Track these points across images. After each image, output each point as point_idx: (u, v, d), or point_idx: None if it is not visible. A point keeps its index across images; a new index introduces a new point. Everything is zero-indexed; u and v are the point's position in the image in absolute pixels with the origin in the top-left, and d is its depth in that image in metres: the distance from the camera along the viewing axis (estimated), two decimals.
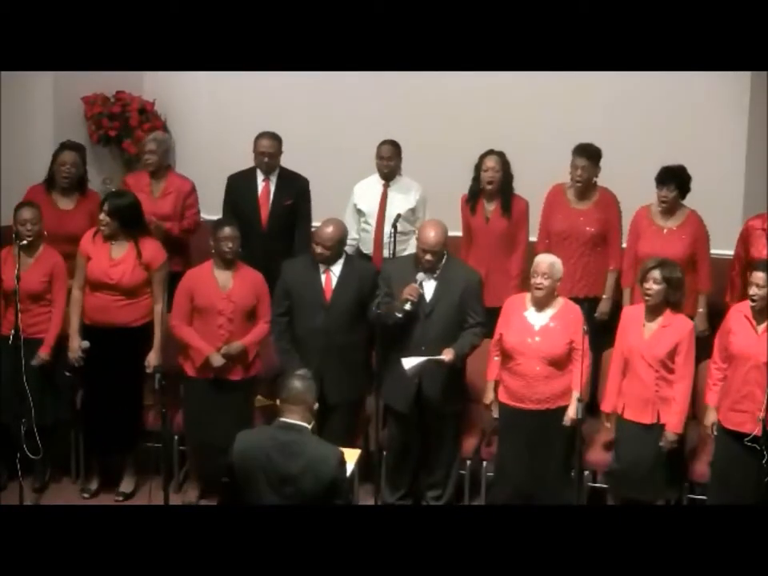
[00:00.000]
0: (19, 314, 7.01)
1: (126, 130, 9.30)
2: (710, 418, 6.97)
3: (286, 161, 8.38)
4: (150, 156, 8.37)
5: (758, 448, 6.69)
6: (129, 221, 7.40)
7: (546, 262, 7.01)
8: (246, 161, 8.39)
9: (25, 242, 7.29)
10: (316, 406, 5.88)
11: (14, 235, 7.36)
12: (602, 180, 8.10)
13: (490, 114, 8.87)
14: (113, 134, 9.29)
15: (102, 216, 7.37)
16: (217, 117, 9.38)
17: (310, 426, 5.82)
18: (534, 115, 8.84)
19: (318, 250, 7.20)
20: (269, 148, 8.24)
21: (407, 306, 6.96)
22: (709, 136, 8.58)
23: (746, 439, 6.71)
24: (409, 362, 6.98)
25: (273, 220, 8.28)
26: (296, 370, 6.10)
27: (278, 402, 5.85)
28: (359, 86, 8.97)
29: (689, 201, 7.96)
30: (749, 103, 8.50)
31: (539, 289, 6.98)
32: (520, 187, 8.14)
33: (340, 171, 8.74)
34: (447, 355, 7.02)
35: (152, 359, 7.43)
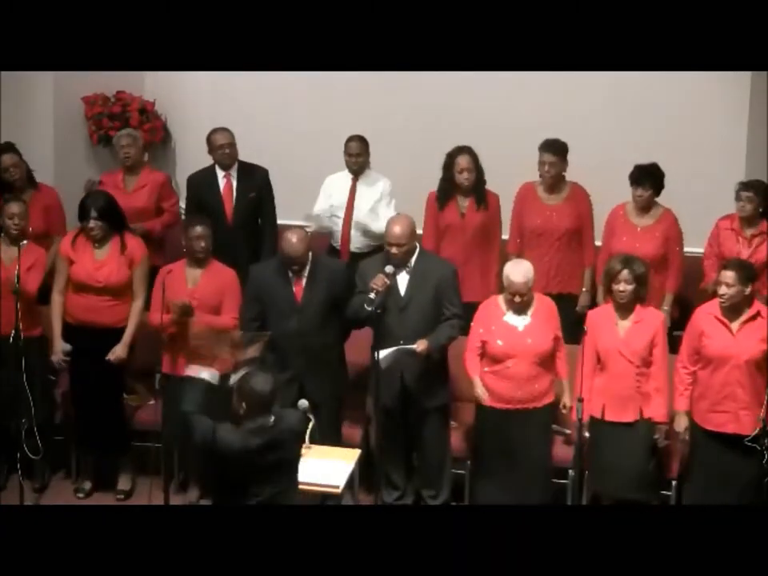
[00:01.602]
0: (19, 314, 7.01)
1: None
2: (682, 423, 6.95)
3: (285, 158, 8.40)
4: (128, 151, 8.42)
5: (759, 448, 6.71)
6: (114, 219, 7.47)
7: (520, 281, 6.94)
8: (245, 160, 8.42)
9: (25, 242, 7.29)
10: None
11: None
12: (599, 180, 8.11)
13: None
14: (113, 134, 9.27)
15: (93, 223, 7.38)
16: (217, 117, 9.36)
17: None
18: (533, 114, 8.83)
19: (295, 267, 7.16)
20: (227, 139, 8.30)
21: (372, 295, 6.93)
22: (709, 136, 8.59)
23: (747, 439, 6.73)
24: (382, 353, 6.96)
25: (238, 214, 8.31)
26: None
27: (242, 405, 5.82)
28: (358, 86, 8.97)
29: (689, 201, 7.98)
30: (749, 103, 8.50)
31: (517, 302, 6.99)
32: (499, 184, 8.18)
33: (339, 169, 8.73)
34: (420, 345, 7.03)
35: (118, 351, 7.41)
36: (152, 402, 7.71)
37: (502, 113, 8.82)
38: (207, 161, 8.55)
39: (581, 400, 6.80)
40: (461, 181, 8.02)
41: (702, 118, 8.58)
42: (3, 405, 7.26)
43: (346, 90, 9.07)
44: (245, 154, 8.42)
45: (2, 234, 7.40)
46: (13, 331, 7.04)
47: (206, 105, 9.45)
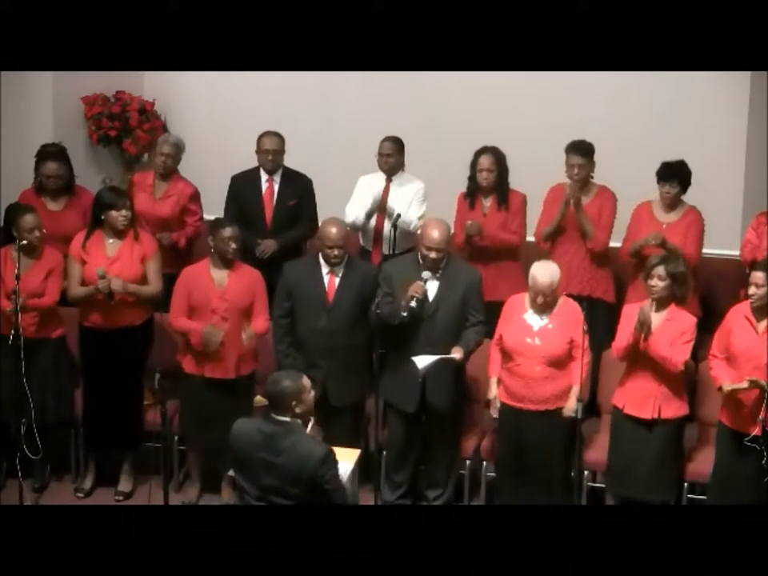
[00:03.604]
0: (19, 314, 7.00)
1: (126, 130, 9.30)
2: (727, 385, 6.73)
3: (286, 159, 8.39)
4: (167, 159, 8.32)
5: (758, 448, 6.71)
6: (133, 212, 7.50)
7: (545, 281, 6.93)
8: (246, 161, 8.42)
9: (27, 241, 7.29)
10: (310, 401, 5.98)
11: (15, 236, 7.37)
12: (602, 179, 8.11)
13: (492, 110, 8.90)
14: (113, 134, 9.28)
15: (125, 212, 7.38)
16: (217, 117, 9.38)
17: (301, 422, 5.92)
18: (533, 114, 8.85)
19: (336, 252, 7.17)
20: (273, 145, 8.25)
21: (413, 304, 6.96)
22: (709, 136, 8.59)
23: (746, 439, 6.72)
24: (421, 361, 6.96)
25: (277, 220, 8.30)
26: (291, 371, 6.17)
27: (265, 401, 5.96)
28: (359, 85, 8.98)
29: (688, 201, 7.97)
30: (749, 103, 8.50)
31: (539, 303, 6.99)
32: (524, 185, 8.17)
33: (341, 170, 8.74)
34: (458, 354, 7.04)
35: (118, 282, 7.33)
36: (150, 402, 7.73)
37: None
38: (206, 161, 8.56)
39: (580, 400, 6.80)
40: (480, 180, 8.09)
41: (702, 117, 8.58)
42: (5, 405, 7.26)
43: (345, 90, 9.08)
44: (245, 155, 8.41)
45: (18, 245, 7.37)
46: (13, 331, 7.04)
47: (206, 105, 9.46)
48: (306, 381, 5.98)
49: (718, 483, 6.94)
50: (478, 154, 8.08)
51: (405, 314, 6.96)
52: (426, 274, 7.06)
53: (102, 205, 7.43)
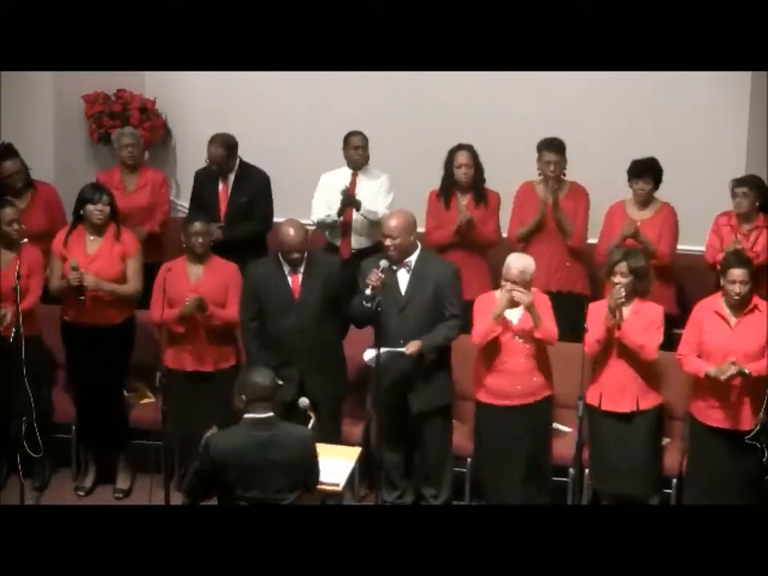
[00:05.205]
0: (20, 314, 7.00)
1: None
2: (727, 367, 6.65)
3: (286, 156, 8.41)
4: (132, 150, 8.44)
5: (759, 446, 6.72)
6: (114, 209, 7.51)
7: (517, 268, 6.92)
8: (246, 159, 8.45)
9: (25, 240, 7.31)
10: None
11: None
12: (598, 180, 8.11)
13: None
14: (114, 133, 9.27)
15: (102, 207, 7.41)
16: (218, 115, 9.37)
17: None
18: (534, 117, 8.85)
19: (295, 255, 7.18)
20: (215, 157, 8.33)
21: (368, 291, 6.93)
22: (709, 136, 8.59)
23: (747, 437, 6.73)
24: (368, 354, 6.96)
25: (229, 216, 8.37)
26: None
27: (242, 398, 6.02)
28: (359, 86, 8.98)
29: (690, 199, 7.98)
30: (749, 103, 8.50)
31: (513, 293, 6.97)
32: (496, 182, 8.20)
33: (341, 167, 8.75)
34: (411, 347, 7.01)
35: (88, 278, 7.33)
36: (152, 400, 7.74)
37: (501, 112, 8.87)
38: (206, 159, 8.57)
39: (581, 398, 6.80)
40: (459, 176, 8.08)
41: (702, 117, 8.59)
42: (3, 404, 7.27)
43: (347, 89, 9.08)
44: (245, 153, 8.43)
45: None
46: (14, 330, 7.03)
47: (207, 103, 9.45)
48: None
49: (695, 482, 6.95)
50: (454, 150, 8.08)
51: (367, 304, 6.92)
52: (382, 263, 7.06)
53: (81, 200, 7.49)
